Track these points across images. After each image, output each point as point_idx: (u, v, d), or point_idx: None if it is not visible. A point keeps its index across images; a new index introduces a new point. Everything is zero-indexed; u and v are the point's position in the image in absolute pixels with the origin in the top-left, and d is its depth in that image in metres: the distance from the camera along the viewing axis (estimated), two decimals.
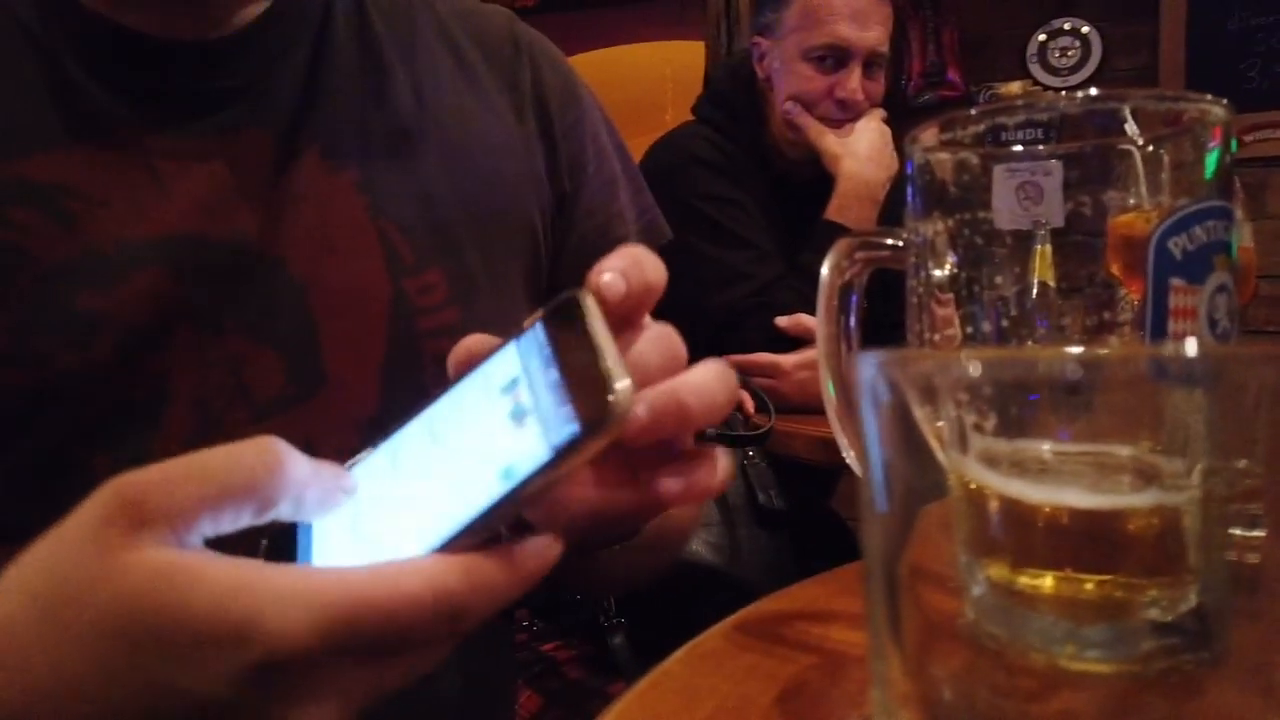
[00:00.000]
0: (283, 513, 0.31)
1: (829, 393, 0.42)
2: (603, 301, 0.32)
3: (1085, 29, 2.70)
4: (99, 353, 0.47)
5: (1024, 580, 0.24)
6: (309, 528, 0.33)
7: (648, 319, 0.34)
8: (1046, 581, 0.24)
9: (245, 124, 0.52)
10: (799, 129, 1.45)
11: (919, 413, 0.22)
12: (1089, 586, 0.24)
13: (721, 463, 0.33)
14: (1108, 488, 0.24)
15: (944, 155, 0.36)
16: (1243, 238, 0.65)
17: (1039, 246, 0.34)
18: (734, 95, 1.55)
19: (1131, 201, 0.33)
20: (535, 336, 0.32)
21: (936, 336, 0.37)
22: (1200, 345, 0.31)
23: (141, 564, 0.27)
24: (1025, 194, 0.34)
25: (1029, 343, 0.35)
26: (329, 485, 0.32)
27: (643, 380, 0.31)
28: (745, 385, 1.12)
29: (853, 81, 1.43)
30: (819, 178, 1.44)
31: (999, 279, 0.35)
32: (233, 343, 0.50)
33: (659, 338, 0.34)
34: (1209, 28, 2.53)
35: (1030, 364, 0.22)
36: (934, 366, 0.23)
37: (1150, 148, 0.33)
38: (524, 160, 0.62)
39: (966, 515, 0.24)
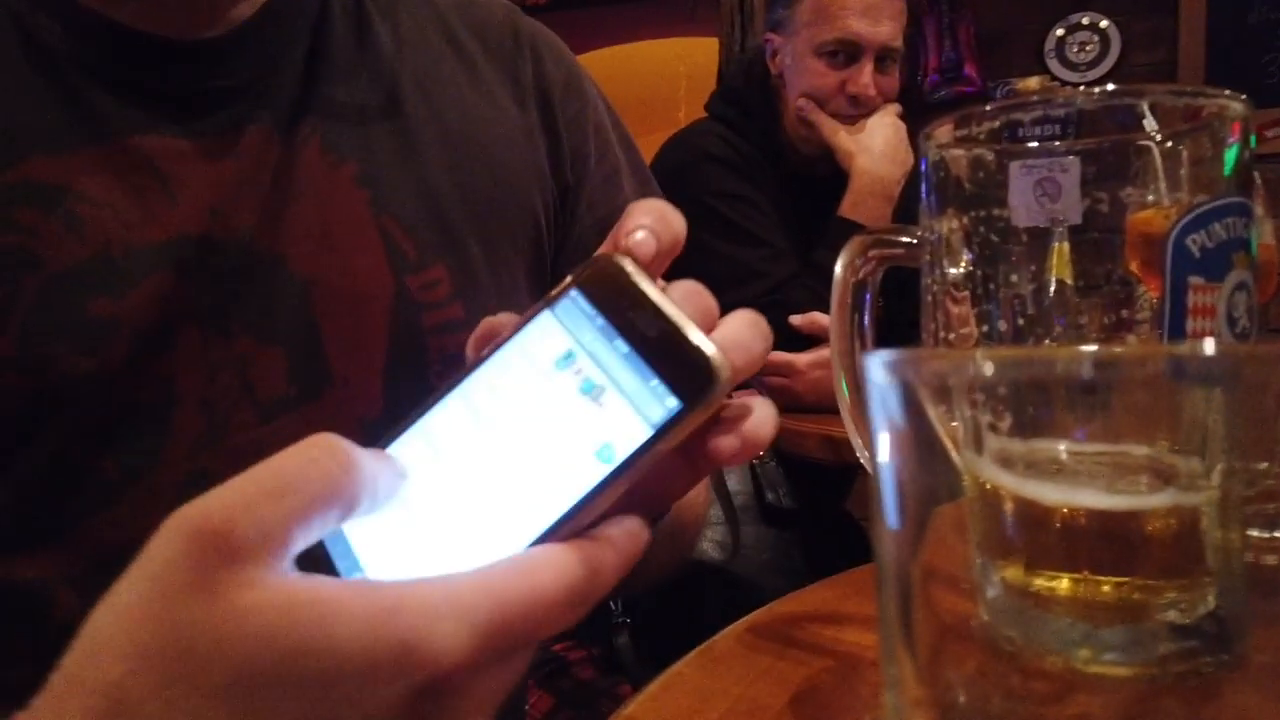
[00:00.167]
0: (362, 513, 0.29)
1: (842, 392, 0.42)
2: (635, 262, 0.31)
3: (1104, 24, 2.67)
4: (108, 358, 0.47)
5: (1040, 582, 0.24)
6: (338, 531, 0.30)
7: None
8: (1063, 583, 0.24)
9: (245, 122, 0.52)
10: (812, 125, 1.45)
11: (933, 413, 0.21)
12: (1106, 588, 0.24)
13: (764, 409, 0.32)
14: (1125, 488, 0.24)
15: (959, 152, 0.36)
16: (1263, 235, 0.64)
17: (1057, 244, 0.34)
18: (747, 92, 1.54)
19: (1150, 198, 0.33)
20: (577, 306, 0.31)
21: (951, 335, 0.36)
22: (1218, 344, 0.30)
23: (262, 605, 0.25)
24: (1042, 190, 0.33)
25: (1046, 341, 0.34)
26: (391, 475, 0.30)
27: None
28: (757, 385, 1.11)
29: (864, 76, 1.42)
30: (833, 174, 1.43)
31: (1014, 277, 0.34)
32: (239, 344, 0.50)
33: (693, 293, 0.32)
34: (1229, 22, 2.50)
35: (1046, 363, 0.22)
36: (948, 366, 0.22)
37: (1169, 143, 0.33)
38: (526, 153, 0.61)
39: (981, 516, 0.24)
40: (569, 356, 0.30)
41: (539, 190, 0.61)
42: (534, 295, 0.61)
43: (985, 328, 0.35)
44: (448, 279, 0.55)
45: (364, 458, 0.28)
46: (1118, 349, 0.27)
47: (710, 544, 1.14)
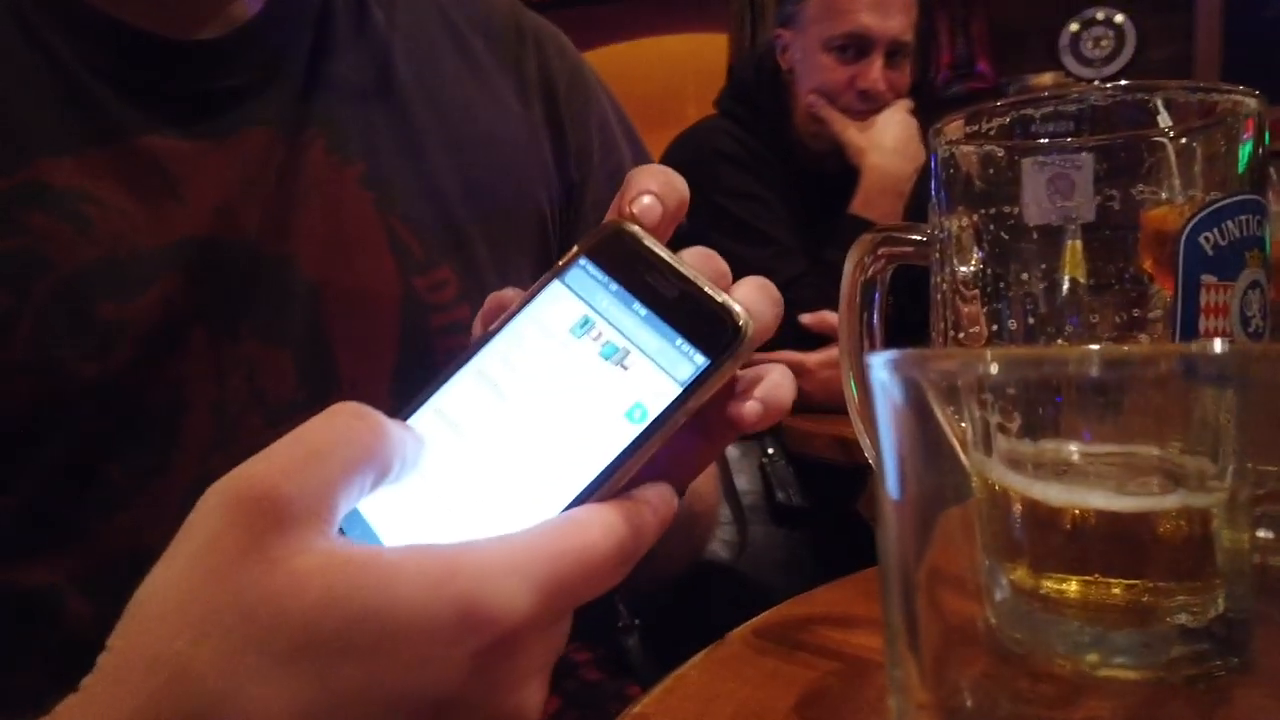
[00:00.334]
0: (393, 479, 0.28)
1: (851, 391, 0.42)
2: (642, 227, 0.31)
3: (1119, 18, 2.65)
4: (117, 362, 0.47)
5: (1048, 584, 0.24)
6: (354, 510, 0.29)
7: None
8: (1072, 586, 0.24)
9: (250, 122, 0.51)
10: (822, 121, 1.44)
11: (941, 413, 0.21)
12: (1116, 591, 0.24)
13: (780, 374, 0.32)
14: (1135, 490, 0.23)
15: (969, 148, 0.35)
16: (1277, 233, 0.63)
17: (1070, 241, 0.33)
18: (757, 88, 1.54)
19: (1164, 195, 0.32)
20: (587, 273, 0.31)
21: (961, 334, 0.36)
22: (1231, 343, 0.30)
23: (322, 569, 0.24)
24: (1055, 188, 0.33)
25: (1057, 341, 0.34)
26: (415, 442, 0.30)
27: None
28: None
29: (874, 71, 1.42)
30: (843, 171, 1.42)
31: (1025, 275, 0.34)
32: (247, 346, 0.50)
33: (705, 256, 0.33)
34: (1245, 17, 2.48)
35: (1056, 363, 0.21)
36: (957, 366, 0.22)
37: (1183, 140, 0.32)
38: (531, 150, 0.61)
39: (989, 518, 0.24)
40: (585, 323, 0.30)
41: (544, 187, 0.61)
42: None
43: (995, 327, 0.35)
44: (455, 280, 0.55)
45: (391, 423, 0.28)
46: (1128, 349, 0.27)
47: (719, 543, 1.14)
